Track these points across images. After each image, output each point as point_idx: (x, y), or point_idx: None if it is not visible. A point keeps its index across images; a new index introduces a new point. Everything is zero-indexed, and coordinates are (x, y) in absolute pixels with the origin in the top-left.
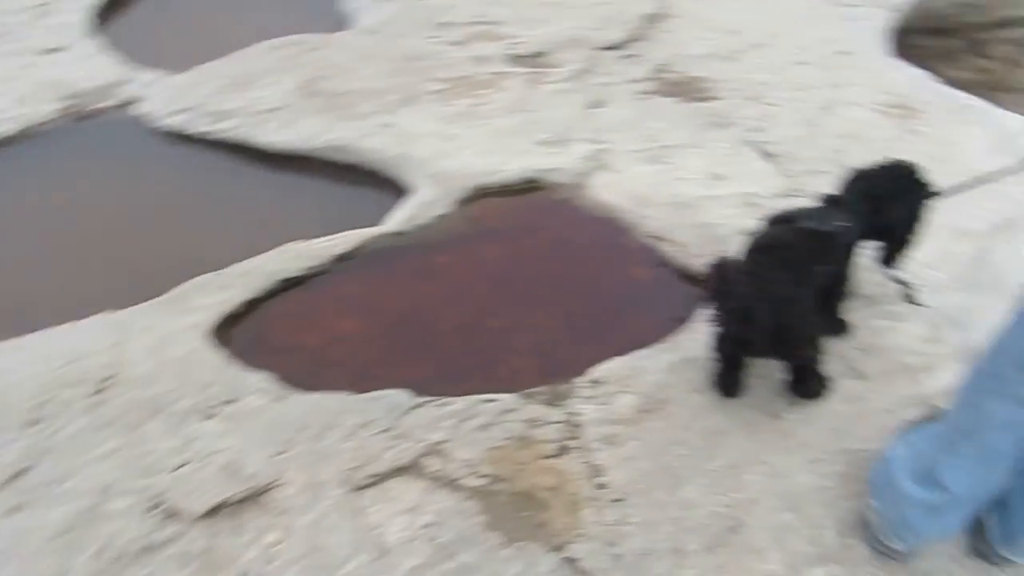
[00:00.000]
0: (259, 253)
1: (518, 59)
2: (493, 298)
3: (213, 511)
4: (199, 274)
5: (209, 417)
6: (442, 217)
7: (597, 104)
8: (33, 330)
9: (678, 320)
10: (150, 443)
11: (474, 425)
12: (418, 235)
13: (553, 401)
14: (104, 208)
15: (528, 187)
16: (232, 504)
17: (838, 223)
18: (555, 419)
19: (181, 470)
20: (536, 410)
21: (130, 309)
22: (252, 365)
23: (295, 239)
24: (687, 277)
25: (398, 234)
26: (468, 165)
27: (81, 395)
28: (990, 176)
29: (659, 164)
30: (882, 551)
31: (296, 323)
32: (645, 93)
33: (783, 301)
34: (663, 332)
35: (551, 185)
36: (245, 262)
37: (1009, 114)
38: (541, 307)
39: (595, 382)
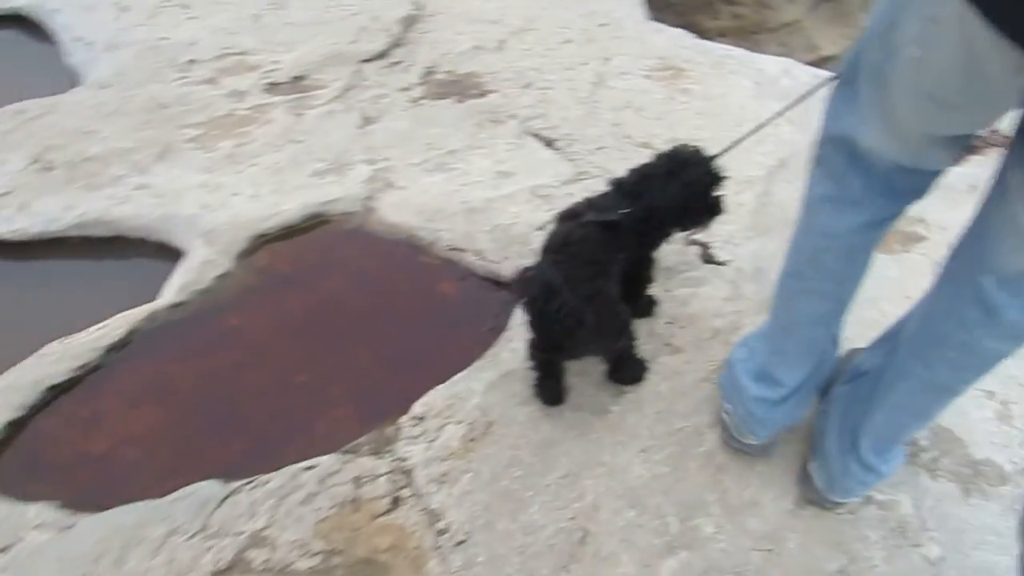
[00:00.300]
0: (14, 363)
1: (277, 87)
2: (298, 351)
3: None
4: None
5: None
6: (224, 276)
7: (370, 120)
8: None
9: (494, 331)
10: None
11: (296, 500)
12: (201, 301)
13: (378, 450)
14: None
15: (313, 223)
16: None
17: (621, 210)
18: (383, 471)
19: None
20: (361, 465)
21: None
22: (28, 496)
23: (56, 338)
24: (494, 283)
25: (177, 305)
26: (242, 213)
27: None
28: (762, 124)
29: (444, 172)
30: (739, 447)
31: (76, 433)
32: (418, 100)
33: (587, 299)
34: (481, 347)
35: (337, 216)
36: None
37: (766, 57)
38: (352, 348)
39: (418, 418)
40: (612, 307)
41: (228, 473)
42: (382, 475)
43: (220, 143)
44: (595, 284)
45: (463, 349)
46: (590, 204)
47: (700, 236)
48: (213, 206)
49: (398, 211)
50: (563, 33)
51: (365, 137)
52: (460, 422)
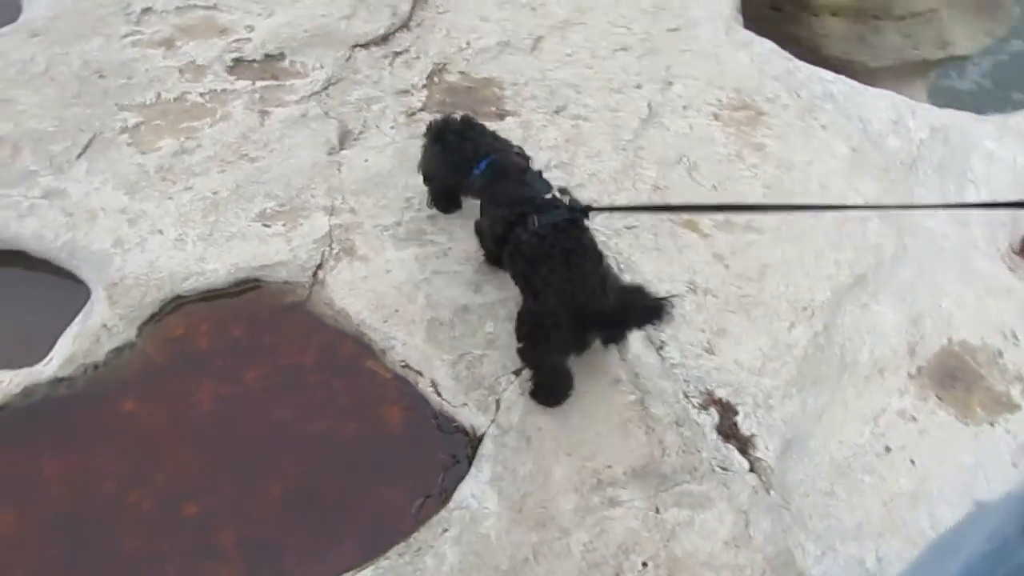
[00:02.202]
0: None
1: (244, 67)
2: (195, 466)
3: None
4: None
5: None
6: (123, 349)
7: (348, 138)
8: None
9: (438, 493)
10: None
11: None
12: (92, 378)
13: None
14: None
15: (245, 288)
16: None
17: None
18: None
19: None
20: None
21: None
22: None
23: None
24: (443, 429)
25: (60, 381)
26: (159, 263)
27: None
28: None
29: (419, 246)
30: None
31: None
32: (414, 115)
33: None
34: (414, 519)
35: (276, 285)
36: None
37: (875, 97)
38: (260, 476)
39: None
40: None
41: None
42: None
43: (160, 141)
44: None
45: (393, 512)
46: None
47: (724, 395)
48: (128, 244)
49: (351, 295)
50: (618, 36)
51: (334, 169)
52: None
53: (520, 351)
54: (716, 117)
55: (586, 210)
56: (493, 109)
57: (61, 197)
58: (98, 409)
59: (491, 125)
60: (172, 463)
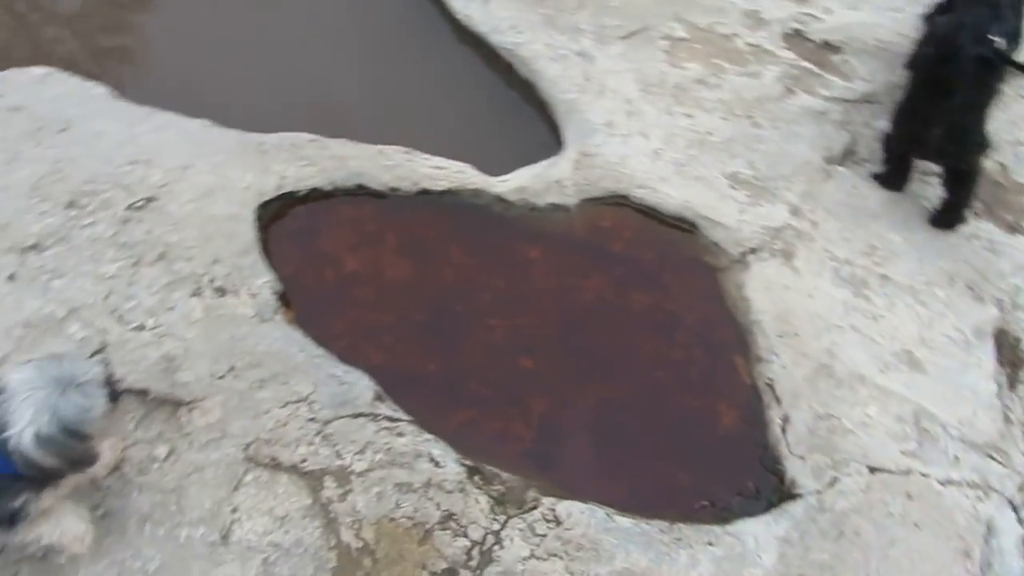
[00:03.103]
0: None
1: (800, 41)
2: (551, 337)
3: (134, 392)
4: None
5: (195, 295)
6: (557, 208)
7: (851, 156)
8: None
9: (719, 508)
10: (137, 289)
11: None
12: (526, 213)
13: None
14: None
15: (679, 226)
16: (150, 399)
17: None
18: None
19: (138, 333)
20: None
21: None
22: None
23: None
24: (771, 459)
25: (501, 200)
26: (629, 161)
27: (121, 202)
28: None
29: (856, 295)
30: None
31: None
32: None
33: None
34: (693, 511)
35: (705, 239)
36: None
37: None
38: (589, 379)
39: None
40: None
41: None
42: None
43: (690, 63)
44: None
45: (673, 490)
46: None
47: None
48: (615, 130)
49: (763, 292)
50: None
51: (821, 176)
52: None
53: None
54: None
55: None
56: None
57: (589, 62)
58: (513, 242)
59: None
60: (537, 321)
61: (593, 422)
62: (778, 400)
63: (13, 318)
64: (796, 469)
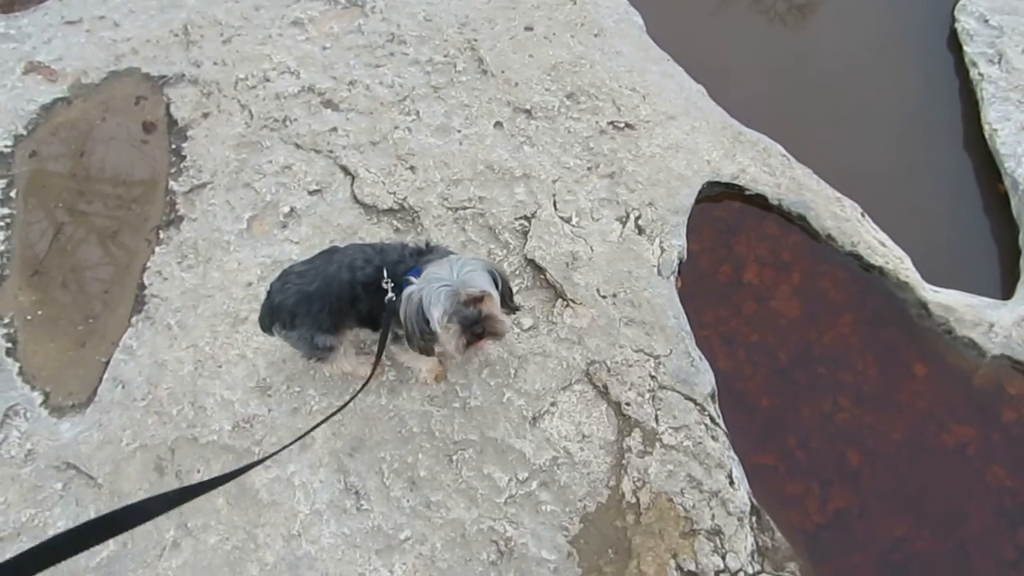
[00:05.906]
0: None
1: None
2: (886, 448)
3: (536, 265)
4: None
5: (620, 221)
6: (975, 348)
7: None
8: None
9: None
10: (580, 188)
11: None
12: (937, 328)
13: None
14: None
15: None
16: (543, 278)
17: None
18: None
19: (562, 224)
20: None
21: None
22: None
23: None
24: None
25: (923, 306)
26: None
27: (607, 115)
28: None
29: None
30: None
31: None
32: None
33: None
34: None
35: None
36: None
37: None
38: (900, 516)
39: None
40: None
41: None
42: None
43: None
44: None
45: None
46: None
47: None
48: None
49: None
50: None
51: None
52: None
53: None
54: None
55: None
56: None
57: None
58: (907, 346)
59: None
60: (885, 428)
61: (883, 551)
62: None
63: (484, 156)
64: None
